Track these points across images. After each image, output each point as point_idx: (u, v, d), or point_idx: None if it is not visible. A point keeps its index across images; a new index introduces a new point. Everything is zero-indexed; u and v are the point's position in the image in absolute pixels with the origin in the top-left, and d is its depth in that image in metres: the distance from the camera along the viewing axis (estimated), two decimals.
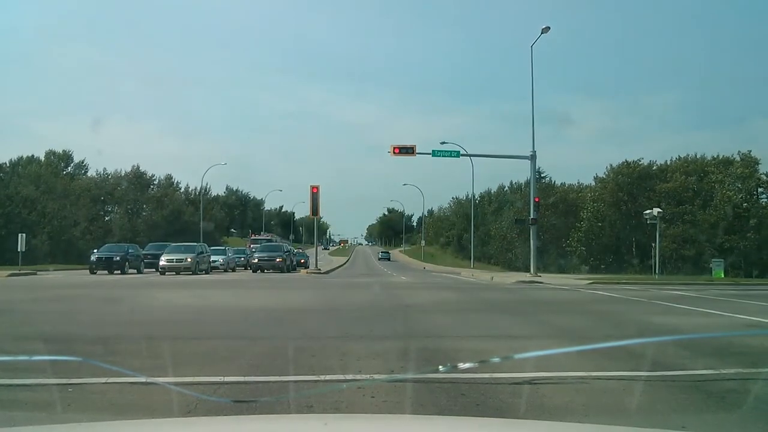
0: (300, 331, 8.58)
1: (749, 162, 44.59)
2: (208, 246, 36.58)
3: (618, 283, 23.78)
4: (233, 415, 3.70)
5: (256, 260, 33.92)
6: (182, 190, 75.92)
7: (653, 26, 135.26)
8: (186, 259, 28.95)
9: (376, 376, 5.08)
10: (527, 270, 30.39)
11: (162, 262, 28.82)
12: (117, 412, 4.04)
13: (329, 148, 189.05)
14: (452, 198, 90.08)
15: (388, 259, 79.86)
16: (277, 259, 33.72)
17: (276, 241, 55.37)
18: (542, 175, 59.00)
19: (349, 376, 5.15)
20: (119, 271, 28.62)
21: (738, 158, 45.67)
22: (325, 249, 41.70)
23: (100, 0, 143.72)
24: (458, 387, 4.71)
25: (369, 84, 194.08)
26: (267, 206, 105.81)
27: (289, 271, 33.79)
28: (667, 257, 41.96)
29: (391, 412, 4.06)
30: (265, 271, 32.98)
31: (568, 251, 48.60)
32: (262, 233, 71.61)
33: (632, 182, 48.03)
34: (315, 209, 32.29)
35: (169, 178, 72.75)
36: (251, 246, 51.79)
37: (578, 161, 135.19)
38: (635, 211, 44.17)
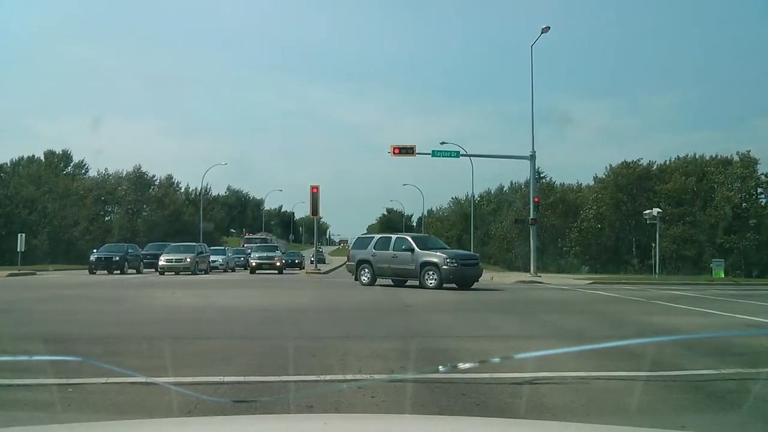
0: (300, 331, 8.58)
1: (748, 162, 44.59)
2: (208, 246, 36.55)
3: (618, 283, 23.80)
4: (233, 415, 3.70)
5: (254, 263, 32.30)
6: (182, 190, 75.92)
7: (653, 26, 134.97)
8: (185, 259, 28.93)
9: (376, 376, 5.08)
10: (527, 270, 30.41)
11: (161, 262, 28.80)
12: (117, 412, 4.04)
13: (329, 148, 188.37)
14: (452, 198, 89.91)
15: None
16: (277, 263, 32.70)
17: (270, 240, 55.00)
18: (542, 175, 58.87)
19: (349, 376, 5.14)
20: (119, 271, 28.64)
21: (737, 158, 45.69)
22: (319, 258, 39.41)
23: (100, 0, 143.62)
24: (458, 387, 4.71)
25: (369, 84, 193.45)
26: (267, 206, 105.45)
27: (282, 272, 32.98)
28: (667, 257, 41.96)
29: (391, 412, 4.06)
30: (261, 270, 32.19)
31: (565, 251, 48.58)
32: (260, 233, 71.29)
33: (632, 183, 48.02)
34: (315, 209, 32.24)
35: (169, 178, 72.61)
36: (245, 245, 51.67)
37: (578, 161, 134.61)
38: (635, 211, 44.18)
